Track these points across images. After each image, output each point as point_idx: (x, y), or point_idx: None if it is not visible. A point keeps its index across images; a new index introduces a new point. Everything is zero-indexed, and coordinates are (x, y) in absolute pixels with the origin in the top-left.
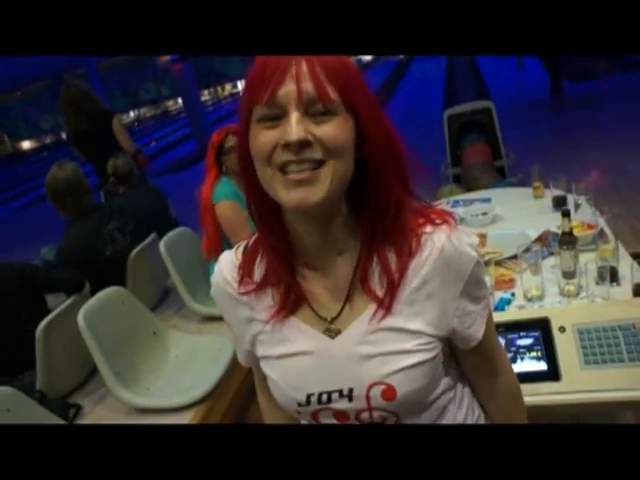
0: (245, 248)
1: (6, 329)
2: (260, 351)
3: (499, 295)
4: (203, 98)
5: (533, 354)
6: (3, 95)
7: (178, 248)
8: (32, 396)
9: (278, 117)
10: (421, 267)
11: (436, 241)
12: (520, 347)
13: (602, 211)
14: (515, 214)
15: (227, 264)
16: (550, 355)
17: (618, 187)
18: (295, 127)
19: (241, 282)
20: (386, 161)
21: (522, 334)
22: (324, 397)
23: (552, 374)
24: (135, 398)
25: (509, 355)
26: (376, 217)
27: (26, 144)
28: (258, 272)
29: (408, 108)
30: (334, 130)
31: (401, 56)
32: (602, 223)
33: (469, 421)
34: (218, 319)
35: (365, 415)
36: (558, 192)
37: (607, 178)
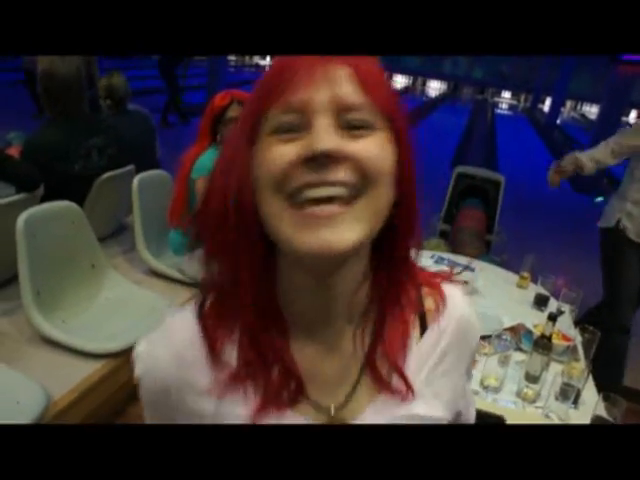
0: (201, 312)
1: None
2: None
3: None
4: (229, 56)
5: None
6: None
7: (151, 190)
8: None
9: (299, 128)
10: (440, 336)
11: (457, 304)
12: None
13: (584, 330)
14: (495, 295)
15: (183, 338)
16: None
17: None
18: (325, 134)
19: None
20: (414, 203)
21: None
22: None
23: None
24: (45, 325)
25: None
26: (392, 273)
27: None
28: (230, 350)
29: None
30: (375, 147)
31: (425, 100)
32: (578, 340)
33: None
34: (162, 276)
35: None
36: (543, 291)
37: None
